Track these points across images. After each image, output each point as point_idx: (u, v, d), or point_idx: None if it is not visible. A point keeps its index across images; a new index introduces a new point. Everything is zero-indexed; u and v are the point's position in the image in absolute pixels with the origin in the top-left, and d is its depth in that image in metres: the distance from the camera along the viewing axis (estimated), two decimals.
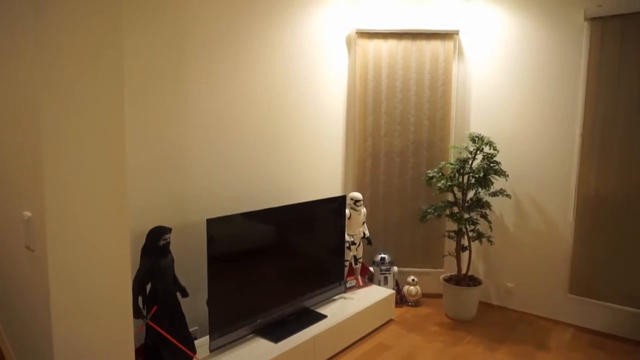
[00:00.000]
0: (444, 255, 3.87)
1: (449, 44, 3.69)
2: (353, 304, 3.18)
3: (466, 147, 3.49)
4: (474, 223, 3.41)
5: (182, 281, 2.54)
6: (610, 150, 3.16)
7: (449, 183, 3.35)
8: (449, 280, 3.56)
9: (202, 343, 2.55)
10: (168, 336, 2.19)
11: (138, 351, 2.23)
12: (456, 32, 3.66)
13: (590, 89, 3.22)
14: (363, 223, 3.54)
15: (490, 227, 3.54)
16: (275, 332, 2.69)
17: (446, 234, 3.66)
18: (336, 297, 3.32)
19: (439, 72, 3.71)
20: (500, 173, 3.35)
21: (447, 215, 3.47)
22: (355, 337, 3.08)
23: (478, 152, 3.38)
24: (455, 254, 3.58)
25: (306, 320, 2.88)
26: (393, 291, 3.48)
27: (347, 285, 3.45)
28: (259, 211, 2.66)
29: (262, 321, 2.70)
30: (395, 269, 3.76)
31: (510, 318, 3.54)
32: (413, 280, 3.76)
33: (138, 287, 2.18)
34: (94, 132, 1.43)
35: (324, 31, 3.51)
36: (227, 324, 2.47)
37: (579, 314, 3.39)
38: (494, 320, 3.51)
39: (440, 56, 3.70)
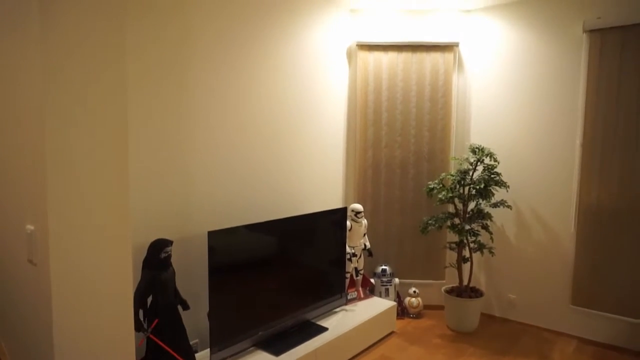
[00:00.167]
0: (446, 267, 3.86)
1: (449, 56, 3.72)
2: (354, 316, 3.16)
3: (467, 159, 3.50)
4: (475, 234, 3.41)
5: (183, 293, 2.54)
6: (610, 160, 3.17)
7: (450, 194, 3.36)
8: (450, 291, 3.55)
9: (202, 356, 2.54)
10: (169, 349, 2.18)
11: None
12: (456, 44, 3.69)
13: (590, 100, 3.23)
14: (364, 235, 3.54)
15: (491, 238, 3.53)
16: (277, 345, 2.68)
17: (447, 245, 3.65)
18: (337, 309, 3.31)
19: (439, 84, 3.73)
20: (501, 184, 3.35)
21: (448, 227, 3.47)
22: (357, 350, 3.06)
23: (479, 163, 3.38)
24: (456, 265, 3.57)
25: (307, 332, 2.86)
26: (394, 303, 3.46)
27: (348, 297, 3.43)
28: (260, 223, 2.66)
29: (263, 334, 2.68)
30: (397, 280, 3.74)
31: (512, 330, 3.52)
32: (414, 292, 3.74)
33: (139, 300, 2.17)
34: (97, 145, 1.44)
35: (325, 43, 3.54)
36: (228, 336, 2.46)
37: (581, 326, 3.37)
38: (496, 332, 3.49)
39: (440, 68, 3.72)
